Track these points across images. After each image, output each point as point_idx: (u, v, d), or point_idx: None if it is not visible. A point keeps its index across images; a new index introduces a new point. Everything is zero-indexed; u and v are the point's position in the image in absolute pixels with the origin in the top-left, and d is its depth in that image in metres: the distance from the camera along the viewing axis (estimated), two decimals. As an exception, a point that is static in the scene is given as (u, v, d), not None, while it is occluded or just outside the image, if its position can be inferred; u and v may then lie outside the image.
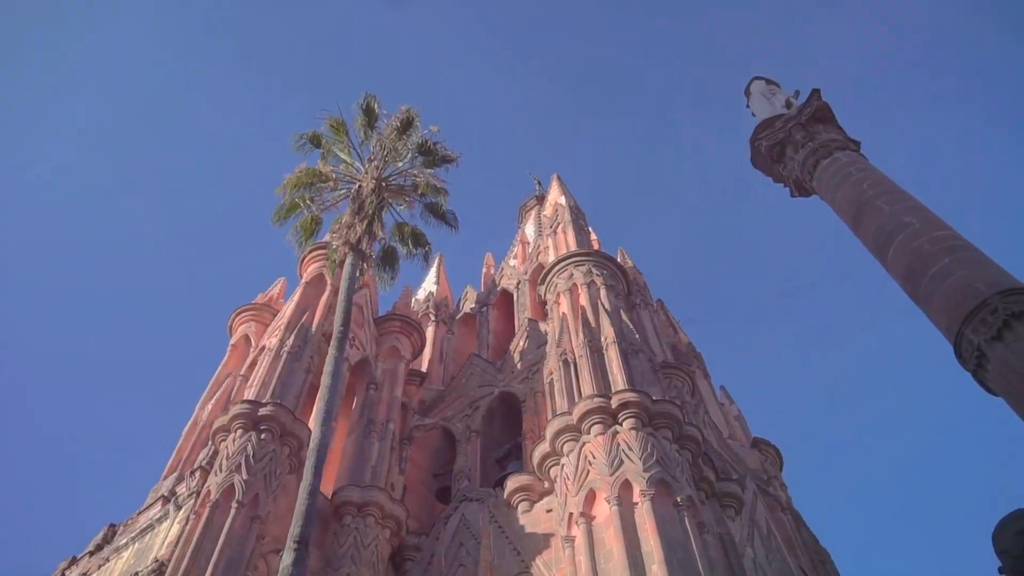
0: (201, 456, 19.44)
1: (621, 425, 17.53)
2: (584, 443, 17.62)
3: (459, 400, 25.22)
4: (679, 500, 15.84)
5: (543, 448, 18.62)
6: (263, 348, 22.78)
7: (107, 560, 18.07)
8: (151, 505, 18.98)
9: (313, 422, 15.43)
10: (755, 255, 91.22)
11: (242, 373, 23.41)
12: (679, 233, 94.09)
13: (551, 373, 21.46)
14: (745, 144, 12.75)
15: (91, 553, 18.79)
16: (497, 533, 18.59)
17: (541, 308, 26.85)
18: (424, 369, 27.62)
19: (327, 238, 21.20)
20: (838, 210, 10.57)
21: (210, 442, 19.06)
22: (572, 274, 24.10)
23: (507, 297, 32.01)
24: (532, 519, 18.49)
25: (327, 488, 19.11)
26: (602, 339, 20.85)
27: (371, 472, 19.90)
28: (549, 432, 18.56)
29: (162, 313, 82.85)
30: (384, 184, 19.64)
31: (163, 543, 16.60)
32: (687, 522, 15.49)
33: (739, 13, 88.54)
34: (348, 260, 18.17)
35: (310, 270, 25.13)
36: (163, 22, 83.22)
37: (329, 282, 23.72)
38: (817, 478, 72.82)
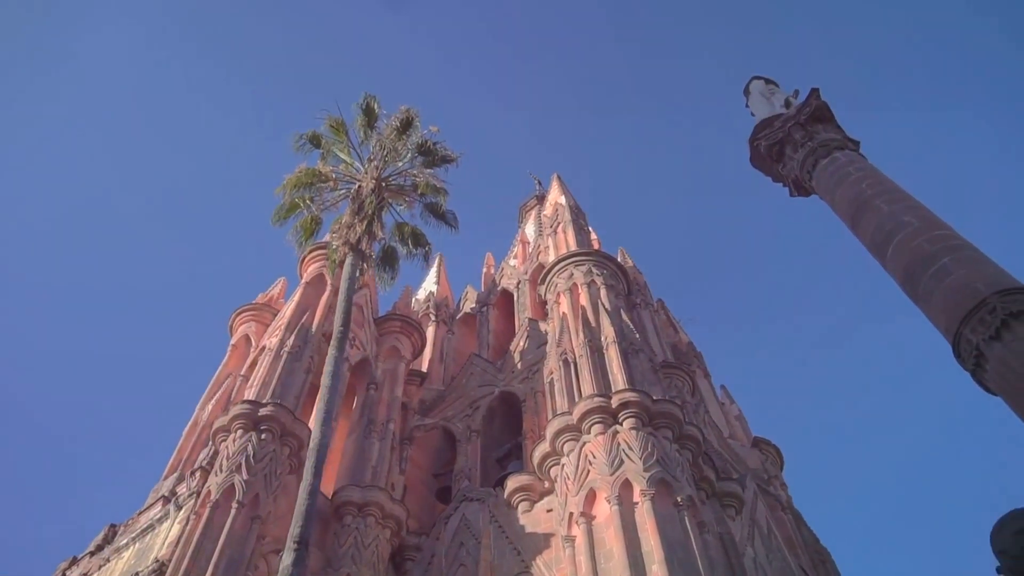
0: (201, 456, 19.44)
1: (621, 425, 17.54)
2: (584, 443, 17.62)
3: (459, 400, 25.23)
4: (679, 500, 15.85)
5: (543, 448, 18.62)
6: (263, 348, 22.79)
7: (108, 560, 18.09)
8: (151, 505, 19.00)
9: (313, 422, 15.44)
10: (756, 254, 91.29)
11: (242, 373, 23.42)
12: (679, 233, 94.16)
13: (551, 373, 21.47)
14: (745, 143, 12.77)
15: (92, 553, 18.81)
16: (497, 533, 18.60)
17: (541, 308, 26.85)
18: (424, 369, 27.62)
19: (327, 238, 21.20)
20: (837, 210, 10.57)
21: (210, 442, 19.07)
22: (572, 274, 24.11)
23: (507, 297, 32.01)
24: (532, 519, 18.50)
25: (327, 488, 19.11)
26: (602, 339, 20.86)
27: (371, 472, 19.90)
28: (549, 432, 18.57)
29: (163, 313, 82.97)
30: (384, 184, 19.64)
31: (164, 543, 16.61)
32: (687, 522, 15.49)
33: (739, 13, 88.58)
34: (348, 260, 18.17)
35: (310, 270, 25.14)
36: (163, 22, 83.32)
37: (329, 282, 23.73)
38: (818, 478, 72.84)
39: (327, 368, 15.77)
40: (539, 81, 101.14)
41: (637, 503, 15.70)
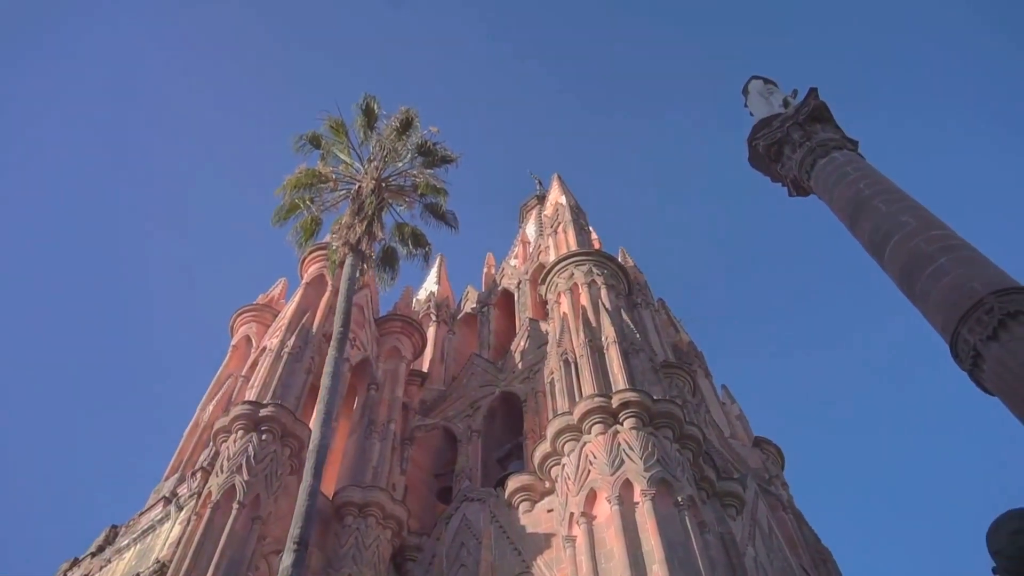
0: (202, 457, 19.48)
1: (622, 425, 17.53)
2: (585, 443, 17.61)
3: (460, 400, 25.24)
4: (680, 500, 15.84)
5: (544, 448, 18.62)
6: (264, 349, 22.81)
7: (109, 561, 18.11)
8: (153, 506, 19.02)
9: (313, 423, 15.45)
10: (757, 254, 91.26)
11: (243, 374, 23.45)
12: (680, 232, 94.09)
13: (552, 373, 21.46)
14: (745, 143, 12.75)
15: (93, 554, 18.82)
16: (498, 533, 18.60)
17: (542, 308, 26.85)
18: (425, 369, 27.63)
19: (327, 239, 21.22)
20: (835, 210, 10.56)
21: (211, 443, 19.09)
22: (573, 274, 24.11)
23: (508, 297, 32.01)
24: (533, 519, 18.50)
25: (328, 489, 19.13)
26: (603, 339, 20.85)
27: (372, 472, 19.91)
28: (550, 432, 18.57)
29: (163, 314, 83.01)
30: (384, 184, 19.66)
31: (165, 544, 16.63)
32: (688, 521, 15.49)
33: (739, 13, 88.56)
34: (348, 261, 18.18)
35: (311, 271, 25.14)
36: (163, 22, 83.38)
37: (330, 283, 23.72)
38: (819, 477, 72.85)
39: (327, 369, 15.79)
40: (539, 81, 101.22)
41: (638, 503, 15.70)
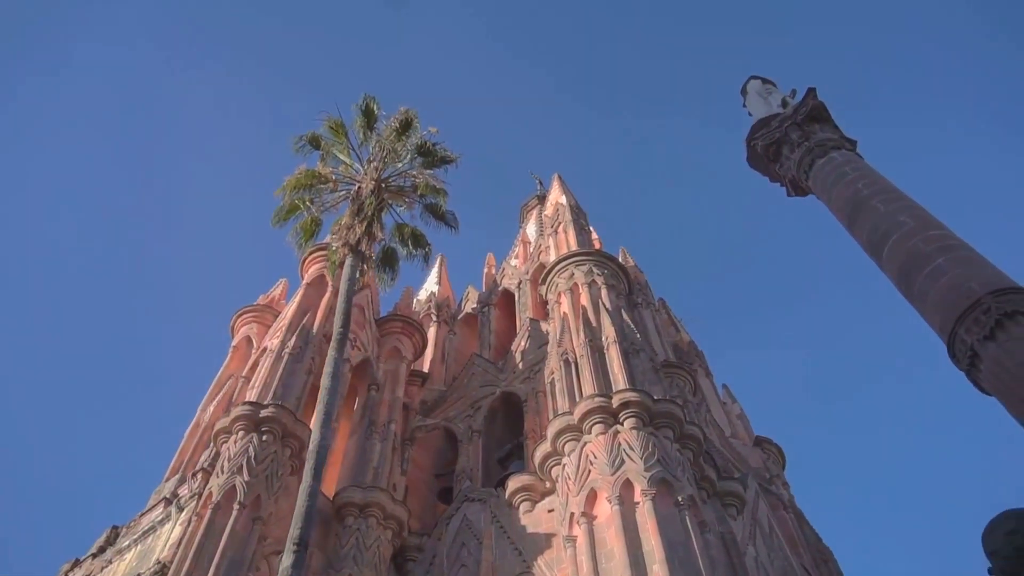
0: (203, 458, 19.51)
1: (622, 425, 17.53)
2: (585, 443, 17.62)
3: (461, 400, 25.24)
4: (680, 499, 15.85)
5: (544, 448, 18.63)
6: (264, 349, 22.85)
7: (110, 562, 18.13)
8: (153, 507, 19.03)
9: (313, 424, 15.46)
10: (757, 253, 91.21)
11: (244, 374, 23.48)
12: (680, 232, 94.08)
13: (552, 373, 21.47)
14: (744, 143, 12.74)
15: (94, 555, 18.84)
16: (499, 533, 18.61)
17: (542, 308, 26.86)
18: (426, 369, 27.62)
19: (327, 239, 21.23)
20: (834, 210, 10.56)
21: (212, 444, 19.11)
22: (573, 273, 24.12)
23: (508, 297, 32.01)
24: (534, 519, 18.50)
25: (329, 489, 19.14)
26: (603, 338, 20.86)
27: (373, 473, 19.92)
28: (550, 432, 18.57)
29: (164, 314, 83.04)
30: (384, 185, 19.64)
31: (165, 545, 16.65)
32: (688, 521, 15.49)
33: (739, 13, 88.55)
34: (348, 261, 18.17)
35: (311, 271, 25.16)
36: (163, 22, 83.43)
37: (330, 283, 23.72)
38: (820, 476, 72.84)
39: (326, 369, 15.78)
40: (540, 81, 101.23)
41: (638, 503, 15.71)
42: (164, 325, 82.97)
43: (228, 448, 17.80)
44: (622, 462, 16.58)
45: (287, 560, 11.95)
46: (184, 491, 18.23)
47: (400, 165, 20.20)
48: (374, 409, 22.33)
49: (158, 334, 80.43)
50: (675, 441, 17.79)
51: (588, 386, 19.07)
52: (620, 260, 27.71)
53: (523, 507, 18.83)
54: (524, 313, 29.09)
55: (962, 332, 7.60)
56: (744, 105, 13.08)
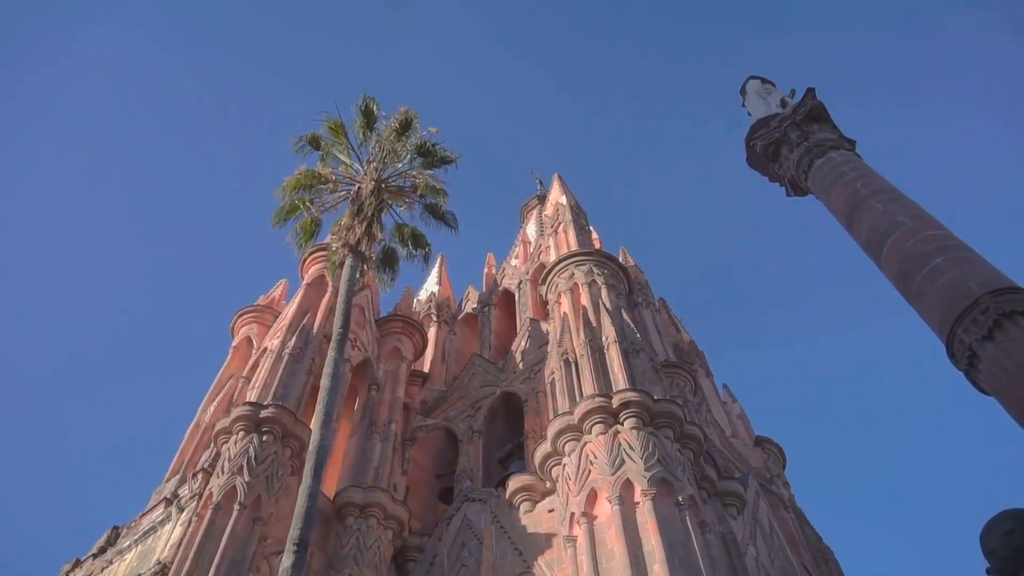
0: (203, 458, 19.52)
1: (622, 424, 17.53)
2: (585, 443, 17.61)
3: (461, 400, 25.24)
4: (680, 499, 15.84)
5: (545, 448, 18.63)
6: (265, 350, 22.87)
7: (110, 562, 18.15)
8: (154, 507, 19.05)
9: (313, 424, 15.47)
10: (758, 253, 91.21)
11: (244, 375, 23.50)
12: (681, 232, 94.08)
13: (552, 373, 21.47)
14: (743, 143, 12.74)
15: (95, 555, 18.86)
16: (499, 533, 18.61)
17: (543, 308, 26.86)
18: (426, 370, 27.64)
19: (327, 240, 21.23)
20: (832, 210, 10.56)
21: (212, 444, 19.13)
22: (573, 273, 24.12)
23: (509, 297, 32.01)
24: (534, 519, 18.50)
25: (329, 489, 19.15)
26: (603, 338, 20.86)
27: (373, 473, 19.93)
28: (550, 432, 18.57)
29: (164, 315, 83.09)
30: (383, 185, 19.63)
31: (166, 545, 16.67)
32: (689, 521, 15.49)
33: (738, 13, 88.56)
34: (347, 262, 18.17)
35: (311, 272, 25.17)
36: (163, 22, 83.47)
37: (330, 284, 23.74)
38: (820, 476, 72.82)
39: (326, 370, 15.78)
40: (540, 81, 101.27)
41: (638, 503, 15.70)
42: (164, 325, 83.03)
43: (228, 448, 17.82)
44: (622, 462, 16.57)
45: (287, 560, 11.95)
46: (185, 491, 18.24)
47: (400, 165, 20.20)
48: (374, 409, 22.34)
49: (158, 334, 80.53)
50: (675, 441, 17.79)
51: (588, 386, 19.07)
52: (620, 260, 27.73)
53: (523, 507, 18.83)
54: (524, 313, 29.10)
55: (960, 332, 7.59)
56: (743, 105, 13.08)
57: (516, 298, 30.92)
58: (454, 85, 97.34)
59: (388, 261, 20.40)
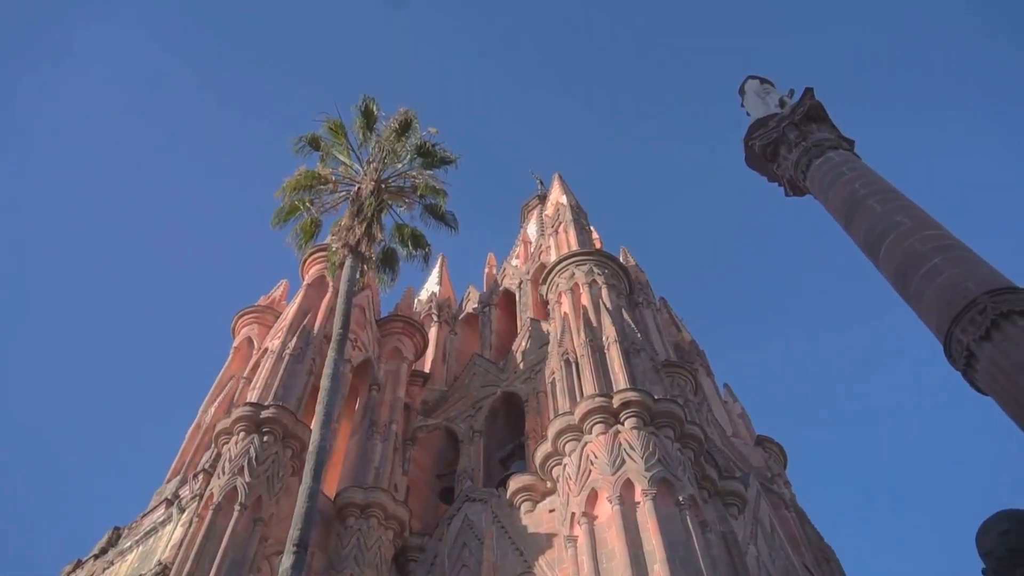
0: (204, 459, 19.54)
1: (623, 424, 17.53)
2: (586, 443, 17.61)
3: (462, 400, 25.25)
4: (681, 499, 15.84)
5: (545, 448, 18.63)
6: (265, 350, 22.88)
7: (111, 563, 18.17)
8: (155, 508, 19.08)
9: (313, 425, 15.48)
10: (759, 253, 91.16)
11: (245, 375, 23.51)
12: (682, 232, 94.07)
13: (553, 373, 21.46)
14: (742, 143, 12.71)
15: (96, 556, 18.89)
16: (500, 533, 18.62)
17: (543, 308, 26.85)
18: (427, 370, 27.64)
19: (327, 240, 21.23)
20: (831, 210, 10.54)
21: (213, 445, 19.14)
22: (573, 273, 24.11)
23: (509, 297, 32.00)
24: (535, 519, 18.50)
25: (330, 490, 19.18)
26: (603, 338, 20.85)
27: (374, 473, 19.94)
28: (551, 432, 18.57)
29: (165, 316, 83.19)
30: (383, 186, 19.63)
31: (167, 546, 16.69)
32: (689, 521, 15.48)
33: (738, 13, 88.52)
34: (347, 262, 18.17)
35: (312, 272, 25.18)
36: (163, 22, 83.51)
37: (331, 284, 23.75)
38: (821, 476, 72.80)
39: (326, 371, 15.78)
40: (540, 80, 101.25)
41: (639, 503, 15.70)
42: (165, 326, 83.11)
43: (229, 449, 17.84)
44: (623, 462, 16.57)
45: (287, 561, 11.96)
46: (185, 492, 18.26)
47: (400, 166, 20.19)
48: (375, 409, 22.35)
49: (159, 335, 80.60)
50: (676, 441, 17.78)
51: (589, 386, 19.07)
52: (621, 260, 27.73)
53: (524, 507, 18.84)
54: (525, 313, 29.09)
55: (958, 332, 7.58)
56: (742, 105, 13.06)
57: (517, 298, 30.91)
58: (454, 85, 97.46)
59: (388, 261, 20.40)
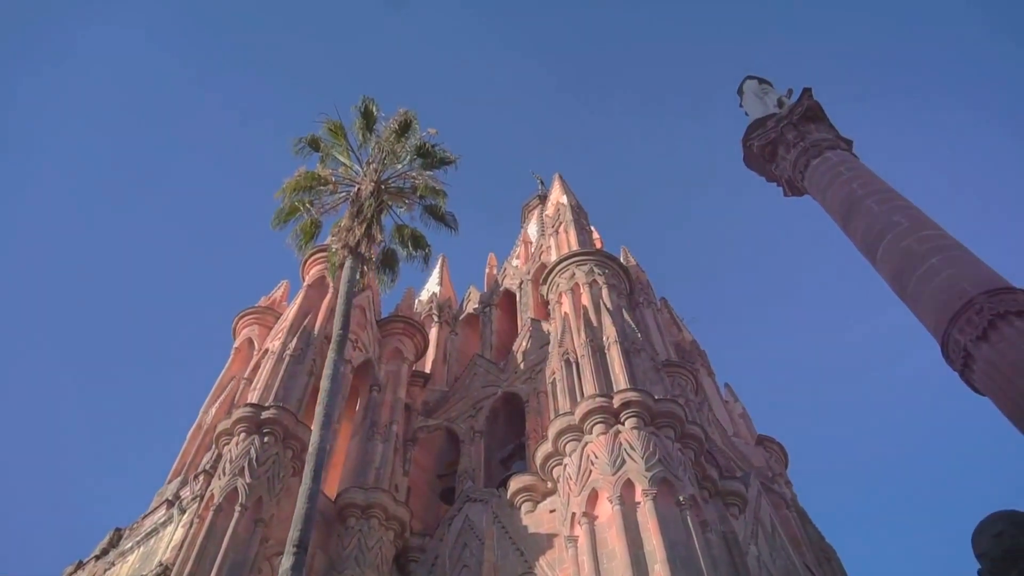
0: (205, 460, 19.53)
1: (623, 424, 17.52)
2: (586, 443, 17.61)
3: (463, 401, 25.25)
4: (681, 499, 15.83)
5: (546, 448, 18.63)
6: (266, 351, 22.87)
7: (112, 564, 18.17)
8: (156, 509, 19.08)
9: (313, 425, 15.48)
10: (759, 252, 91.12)
11: (245, 376, 23.50)
12: (682, 231, 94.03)
13: (553, 373, 21.46)
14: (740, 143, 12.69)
15: (97, 557, 18.88)
16: (501, 534, 18.61)
17: (544, 308, 26.84)
18: (428, 370, 27.64)
19: (327, 241, 21.22)
20: (829, 210, 10.53)
21: (214, 446, 19.15)
22: (574, 273, 24.11)
23: (510, 297, 32.00)
24: (535, 519, 18.50)
25: (331, 490, 19.18)
26: (604, 338, 20.84)
27: (375, 474, 19.94)
28: (551, 432, 18.57)
29: (166, 316, 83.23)
30: (383, 187, 19.62)
31: (167, 547, 16.68)
32: (689, 521, 15.48)
33: (737, 13, 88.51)
34: (347, 263, 18.17)
35: (312, 273, 25.19)
36: (163, 22, 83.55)
37: (331, 285, 23.74)
38: (822, 475, 72.72)
39: (326, 371, 15.77)
40: (541, 80, 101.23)
41: (639, 503, 15.69)
42: (166, 326, 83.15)
43: (230, 450, 17.84)
44: (623, 462, 16.57)
45: (287, 562, 11.96)
46: (186, 493, 18.25)
47: (399, 166, 20.17)
48: (376, 410, 22.35)
49: (160, 335, 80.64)
50: (676, 440, 17.78)
51: (589, 386, 19.06)
52: (622, 260, 27.74)
53: (525, 507, 18.84)
54: (525, 313, 29.08)
55: (955, 332, 7.57)
56: (741, 105, 13.05)
57: (517, 298, 30.90)
58: (454, 85, 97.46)
59: (388, 262, 20.39)
